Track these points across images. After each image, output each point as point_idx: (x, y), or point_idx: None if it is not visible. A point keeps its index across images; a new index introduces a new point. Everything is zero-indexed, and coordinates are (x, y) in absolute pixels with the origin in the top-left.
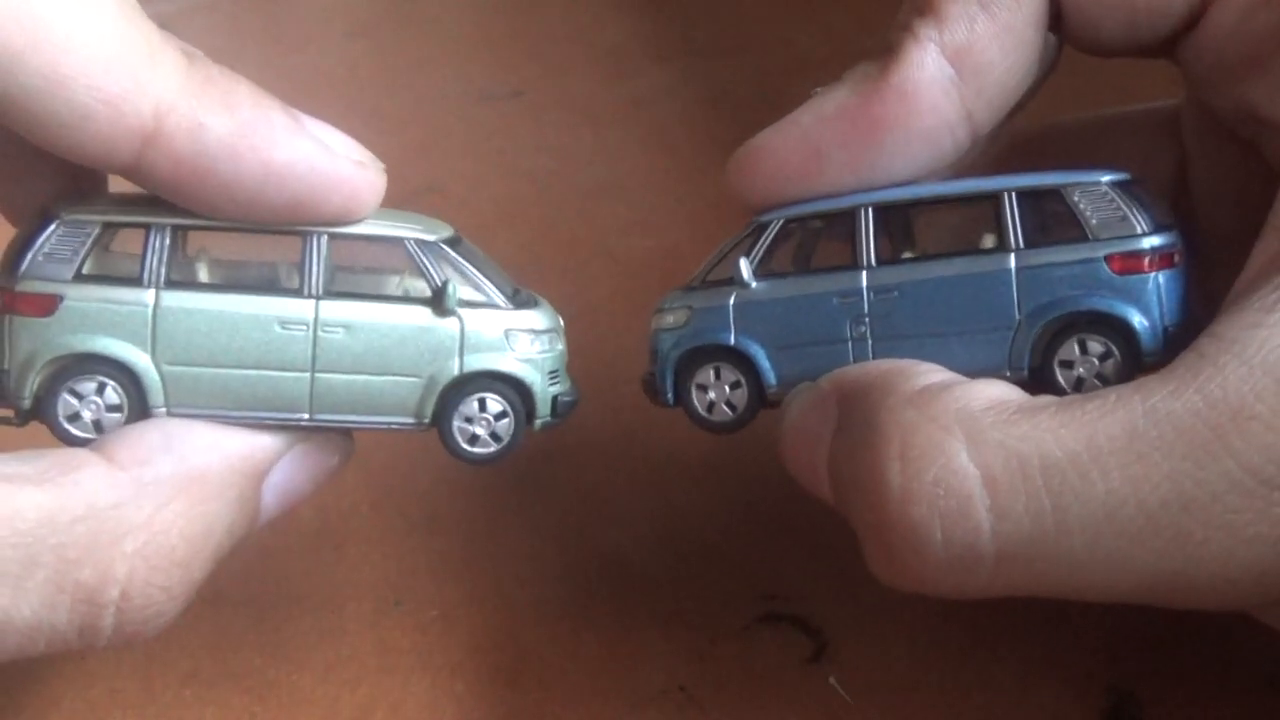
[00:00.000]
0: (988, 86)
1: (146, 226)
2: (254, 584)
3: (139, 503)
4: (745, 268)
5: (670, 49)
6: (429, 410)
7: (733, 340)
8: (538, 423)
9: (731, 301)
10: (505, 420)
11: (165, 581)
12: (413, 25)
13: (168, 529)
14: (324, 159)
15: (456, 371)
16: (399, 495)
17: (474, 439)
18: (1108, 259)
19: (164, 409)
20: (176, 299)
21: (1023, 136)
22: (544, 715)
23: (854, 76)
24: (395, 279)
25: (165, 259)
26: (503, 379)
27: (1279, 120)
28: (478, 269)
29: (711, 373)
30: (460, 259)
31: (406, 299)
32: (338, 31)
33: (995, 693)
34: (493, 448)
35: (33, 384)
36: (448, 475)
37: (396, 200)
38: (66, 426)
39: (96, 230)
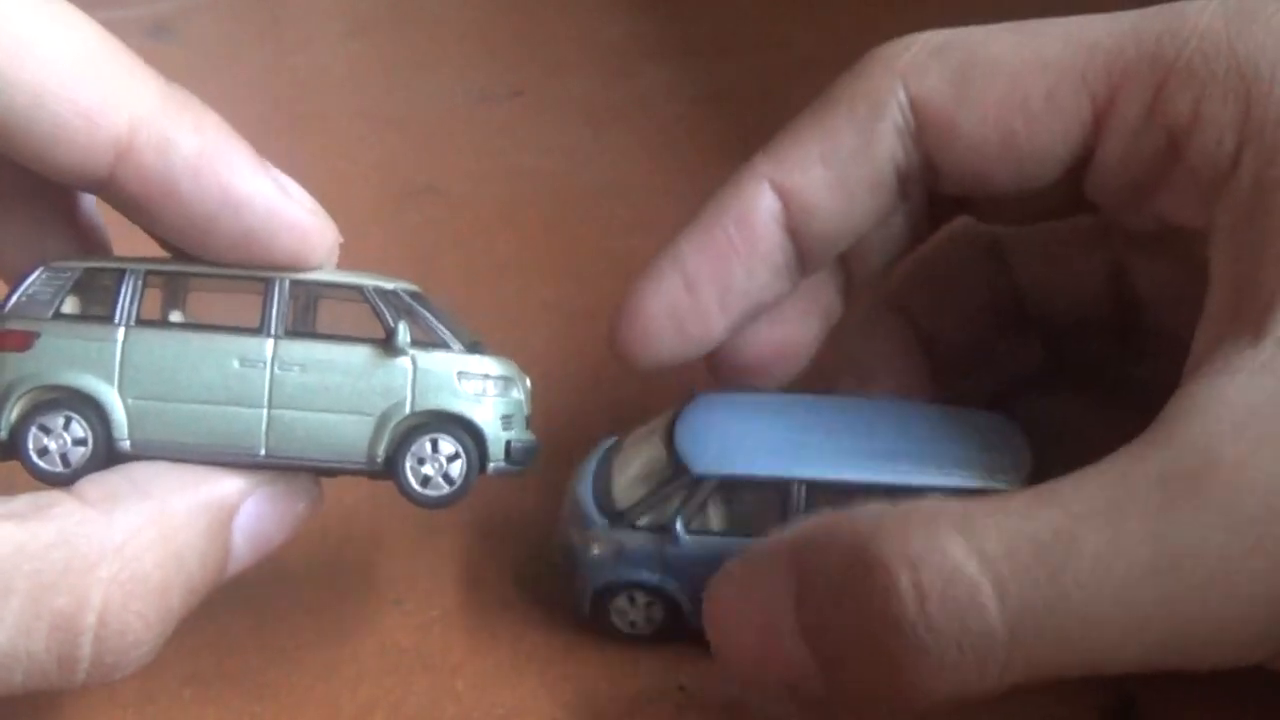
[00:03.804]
0: (814, 226)
1: (122, 270)
2: (254, 584)
3: (111, 532)
4: (679, 526)
5: (670, 49)
6: (381, 450)
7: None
8: (491, 467)
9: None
10: (458, 462)
11: (141, 608)
12: (412, 25)
13: (141, 555)
14: (279, 199)
15: (408, 410)
16: (399, 494)
17: (426, 480)
18: None
19: (127, 442)
20: (143, 336)
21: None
22: (544, 715)
23: (706, 209)
24: (357, 321)
25: (137, 300)
26: (454, 420)
27: (1191, 224)
28: (436, 317)
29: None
30: (417, 306)
31: (360, 339)
32: (338, 31)
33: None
34: (445, 490)
35: (9, 415)
36: None
37: (396, 199)
38: (36, 460)
39: (77, 274)
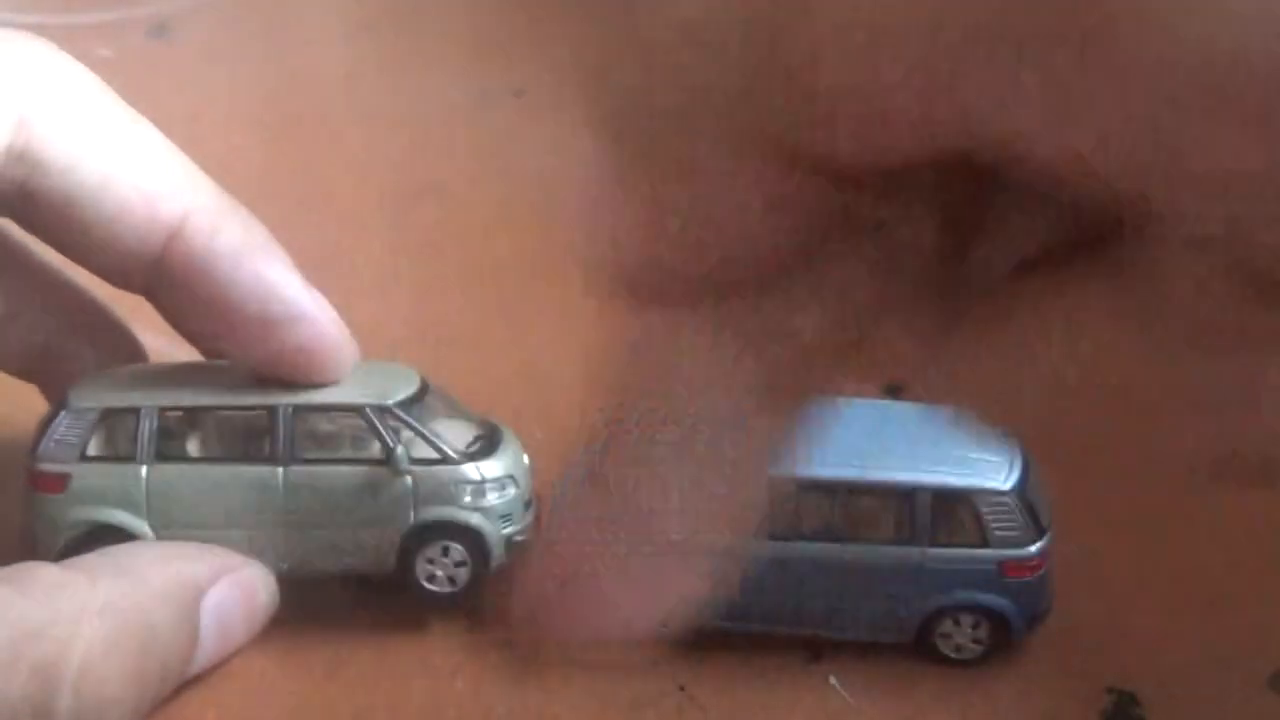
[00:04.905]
0: None
1: (137, 411)
2: None
3: (93, 596)
4: None
5: None
6: (391, 559)
7: None
8: (494, 563)
9: None
10: (464, 564)
11: (120, 665)
12: (413, 25)
13: (120, 620)
14: (305, 296)
15: (411, 522)
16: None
17: (435, 580)
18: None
19: None
20: (165, 471)
21: None
22: (544, 715)
23: None
24: (359, 436)
25: (155, 437)
26: (455, 527)
27: None
28: (434, 424)
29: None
30: (412, 420)
31: (363, 460)
32: (338, 31)
33: (995, 692)
34: (456, 588)
35: (56, 552)
36: None
37: (396, 200)
38: None
39: (96, 415)
